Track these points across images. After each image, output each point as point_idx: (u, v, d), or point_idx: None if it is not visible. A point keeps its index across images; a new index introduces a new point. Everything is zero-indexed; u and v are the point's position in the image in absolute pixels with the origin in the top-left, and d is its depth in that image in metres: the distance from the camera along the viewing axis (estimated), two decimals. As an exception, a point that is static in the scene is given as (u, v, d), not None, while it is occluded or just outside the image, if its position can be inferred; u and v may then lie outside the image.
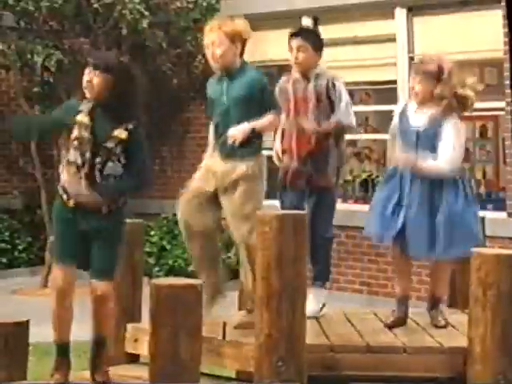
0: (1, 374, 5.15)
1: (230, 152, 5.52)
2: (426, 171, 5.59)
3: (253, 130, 5.42)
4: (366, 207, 11.07)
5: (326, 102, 6.02)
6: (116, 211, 5.09)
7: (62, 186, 5.08)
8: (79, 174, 5.00)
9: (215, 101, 5.67)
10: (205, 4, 11.70)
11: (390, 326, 5.63)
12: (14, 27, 11.50)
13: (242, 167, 5.47)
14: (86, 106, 5.08)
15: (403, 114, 5.84)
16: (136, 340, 5.56)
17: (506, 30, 9.24)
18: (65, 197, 5.05)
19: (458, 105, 5.67)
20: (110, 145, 4.99)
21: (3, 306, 9.58)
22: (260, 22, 11.52)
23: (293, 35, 6.15)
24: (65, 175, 5.07)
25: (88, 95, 5.07)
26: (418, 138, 5.68)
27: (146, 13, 11.25)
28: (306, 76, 6.03)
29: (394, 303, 5.88)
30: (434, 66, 5.69)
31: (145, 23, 11.24)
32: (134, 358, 5.66)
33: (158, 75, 11.81)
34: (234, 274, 6.43)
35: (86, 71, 5.08)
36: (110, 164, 5.01)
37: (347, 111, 6.10)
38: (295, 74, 6.09)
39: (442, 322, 5.67)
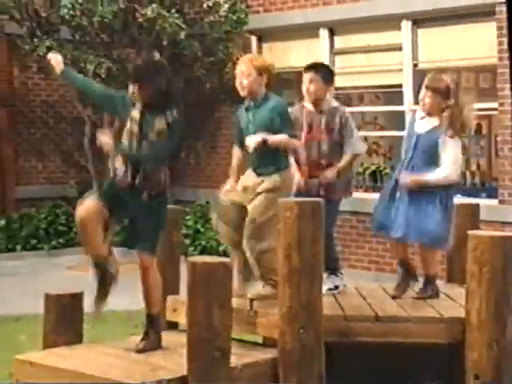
0: (60, 338, 5.21)
1: (259, 169, 5.50)
2: (432, 183, 5.56)
3: (265, 142, 5.35)
4: (374, 195, 11.14)
5: (338, 135, 5.98)
6: (154, 198, 5.07)
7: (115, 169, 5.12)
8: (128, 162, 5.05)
9: (244, 129, 5.62)
10: (235, 18, 11.70)
11: (396, 297, 5.64)
12: (70, 39, 11.55)
13: (268, 182, 5.42)
14: (139, 105, 5.12)
15: (412, 121, 5.84)
16: (175, 310, 5.58)
17: (506, 39, 9.18)
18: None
19: (458, 123, 5.64)
20: (152, 137, 5.01)
21: (60, 280, 9.66)
22: (282, 33, 11.57)
23: (306, 69, 6.10)
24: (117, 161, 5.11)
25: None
26: (417, 141, 5.65)
27: (184, 26, 11.29)
28: (318, 108, 5.97)
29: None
30: (444, 85, 5.66)
31: (182, 35, 11.28)
32: (173, 326, 5.66)
33: (193, 80, 11.85)
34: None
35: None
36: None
37: (358, 143, 6.12)
38: (308, 105, 6.03)
39: (429, 293, 5.66)
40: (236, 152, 5.82)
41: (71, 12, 11.00)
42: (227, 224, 5.61)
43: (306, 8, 11.44)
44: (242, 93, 5.56)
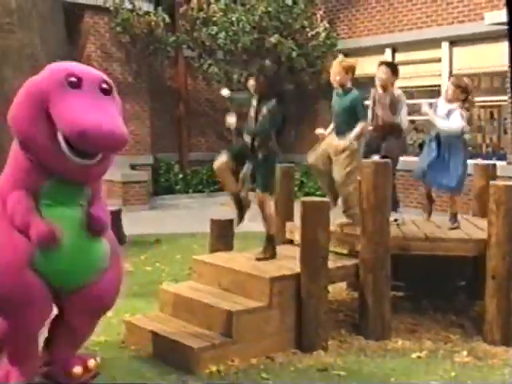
0: (220, 247, 5.24)
1: (341, 136, 5.25)
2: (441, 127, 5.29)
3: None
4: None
5: (394, 109, 5.70)
6: (266, 158, 4.87)
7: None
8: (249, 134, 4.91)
9: (334, 107, 5.39)
10: (329, 42, 11.57)
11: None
12: (223, 59, 11.58)
13: (346, 143, 5.18)
14: (255, 97, 4.94)
15: (435, 105, 5.46)
16: (291, 231, 5.52)
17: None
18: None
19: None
20: (260, 118, 4.83)
21: (217, 212, 9.78)
22: (361, 51, 11.31)
23: (380, 64, 5.83)
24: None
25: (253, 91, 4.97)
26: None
27: (295, 48, 11.16)
28: (385, 91, 5.70)
29: (436, 216, 5.66)
30: (464, 84, 5.34)
31: (294, 54, 11.16)
32: (290, 242, 5.58)
33: (301, 84, 11.71)
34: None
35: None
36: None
37: (403, 118, 5.77)
38: (379, 89, 5.77)
39: (455, 225, 5.32)
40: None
41: (224, 41, 11.02)
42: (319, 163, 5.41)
43: (377, 34, 11.23)
44: (335, 85, 5.30)
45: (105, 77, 3.28)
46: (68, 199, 3.28)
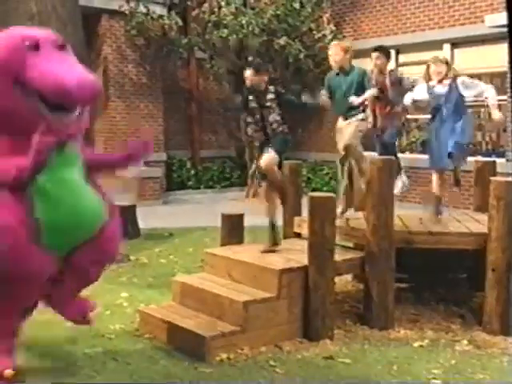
0: (230, 240, 5.21)
1: (346, 115, 5.31)
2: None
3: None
4: (423, 156, 10.83)
5: (393, 87, 5.62)
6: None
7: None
8: (257, 126, 4.91)
9: (336, 87, 5.34)
10: (335, 45, 11.48)
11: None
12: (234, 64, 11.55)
13: (352, 120, 5.25)
14: (247, 91, 4.95)
15: (429, 89, 5.33)
16: (299, 225, 5.49)
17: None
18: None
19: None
20: (268, 104, 4.84)
21: (227, 207, 9.78)
22: (366, 53, 11.17)
23: (374, 50, 5.79)
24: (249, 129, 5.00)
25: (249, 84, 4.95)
26: (446, 99, 5.23)
27: (303, 49, 11.10)
28: (382, 73, 5.64)
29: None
30: (444, 59, 5.41)
31: (302, 55, 11.09)
32: (298, 235, 5.57)
33: (308, 83, 11.66)
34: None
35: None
36: (271, 117, 4.86)
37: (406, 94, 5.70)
38: (376, 71, 5.71)
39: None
40: (326, 96, 5.51)
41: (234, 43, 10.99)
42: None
43: (381, 37, 11.18)
44: (335, 67, 5.28)
45: (54, 34, 3.19)
46: (66, 164, 3.16)
